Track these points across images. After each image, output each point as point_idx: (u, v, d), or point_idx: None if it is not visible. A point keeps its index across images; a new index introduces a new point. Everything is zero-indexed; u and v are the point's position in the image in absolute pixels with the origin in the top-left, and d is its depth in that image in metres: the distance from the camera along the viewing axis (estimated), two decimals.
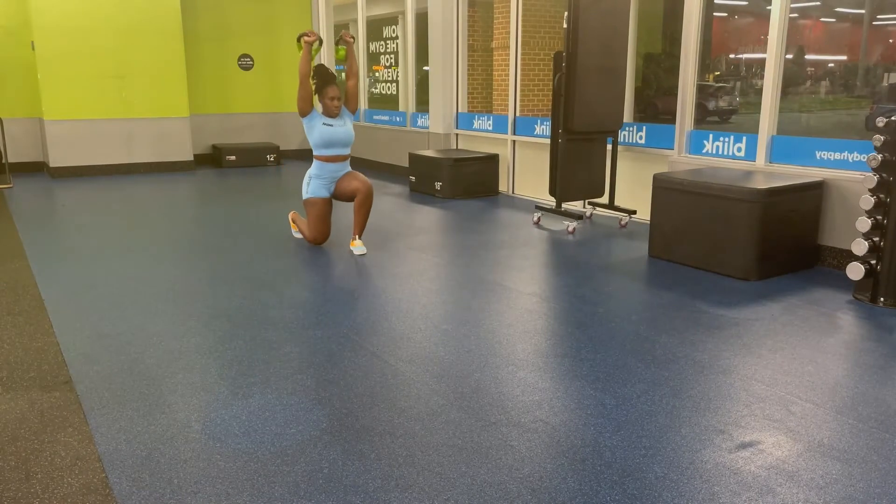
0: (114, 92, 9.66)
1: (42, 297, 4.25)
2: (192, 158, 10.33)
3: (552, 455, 2.44)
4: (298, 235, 5.82)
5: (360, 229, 5.33)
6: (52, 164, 9.56)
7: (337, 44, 5.46)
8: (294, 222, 5.82)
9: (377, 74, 11.28)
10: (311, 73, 5.19)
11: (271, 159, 10.94)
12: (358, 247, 5.29)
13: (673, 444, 2.51)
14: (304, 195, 5.42)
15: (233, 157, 10.70)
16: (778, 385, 3.02)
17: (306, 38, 5.15)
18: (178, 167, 10.23)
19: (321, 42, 5.31)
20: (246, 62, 11.24)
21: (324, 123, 5.22)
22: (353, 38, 5.50)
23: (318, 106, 5.37)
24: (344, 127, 5.27)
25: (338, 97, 5.23)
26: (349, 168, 5.45)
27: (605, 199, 6.47)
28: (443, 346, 3.48)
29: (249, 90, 11.35)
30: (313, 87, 5.24)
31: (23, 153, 9.96)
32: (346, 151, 5.35)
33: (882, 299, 4.09)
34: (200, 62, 10.80)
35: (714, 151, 5.72)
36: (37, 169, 10.10)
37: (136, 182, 9.23)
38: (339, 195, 5.41)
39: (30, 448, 2.51)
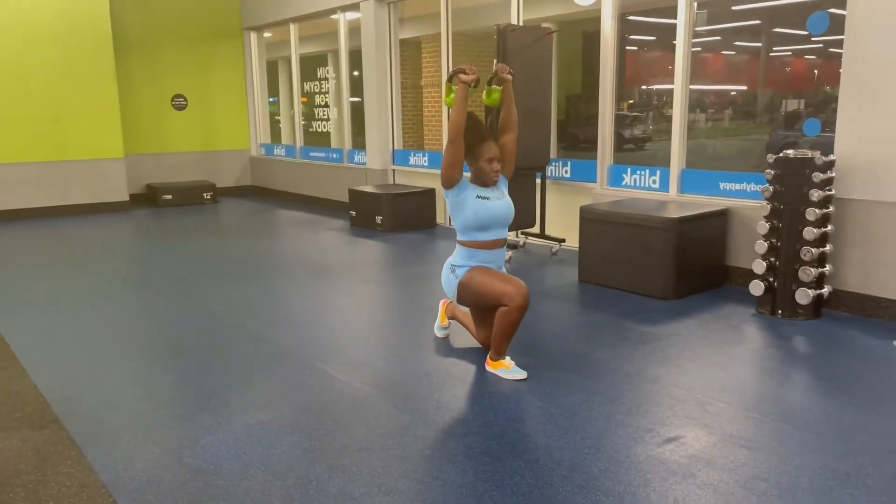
0: (47, 135, 9.65)
1: (8, 343, 4.39)
2: (127, 199, 10.38)
3: (511, 456, 2.83)
4: (443, 333, 4.35)
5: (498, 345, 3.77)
6: None
7: (489, 83, 3.86)
8: (450, 315, 4.33)
9: (303, 108, 11.54)
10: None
11: (208, 197, 11.06)
12: (510, 369, 3.72)
13: (611, 443, 2.95)
14: (452, 289, 3.88)
15: (169, 196, 10.78)
16: (695, 389, 3.51)
17: (463, 76, 3.61)
18: (113, 208, 10.24)
19: (478, 81, 3.72)
20: (179, 102, 11.37)
21: (478, 196, 3.74)
22: (512, 73, 3.86)
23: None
24: (502, 199, 3.81)
25: (497, 159, 3.76)
26: (505, 257, 4.06)
27: (536, 229, 6.98)
28: (403, 369, 3.84)
29: (184, 129, 11.48)
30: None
31: None
32: (506, 234, 3.88)
33: (780, 312, 4.69)
34: (134, 103, 10.89)
35: (632, 184, 6.32)
36: None
37: (72, 224, 9.21)
38: None
39: (35, 480, 2.73)
